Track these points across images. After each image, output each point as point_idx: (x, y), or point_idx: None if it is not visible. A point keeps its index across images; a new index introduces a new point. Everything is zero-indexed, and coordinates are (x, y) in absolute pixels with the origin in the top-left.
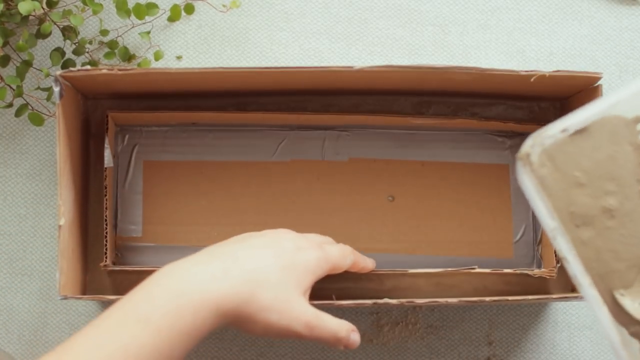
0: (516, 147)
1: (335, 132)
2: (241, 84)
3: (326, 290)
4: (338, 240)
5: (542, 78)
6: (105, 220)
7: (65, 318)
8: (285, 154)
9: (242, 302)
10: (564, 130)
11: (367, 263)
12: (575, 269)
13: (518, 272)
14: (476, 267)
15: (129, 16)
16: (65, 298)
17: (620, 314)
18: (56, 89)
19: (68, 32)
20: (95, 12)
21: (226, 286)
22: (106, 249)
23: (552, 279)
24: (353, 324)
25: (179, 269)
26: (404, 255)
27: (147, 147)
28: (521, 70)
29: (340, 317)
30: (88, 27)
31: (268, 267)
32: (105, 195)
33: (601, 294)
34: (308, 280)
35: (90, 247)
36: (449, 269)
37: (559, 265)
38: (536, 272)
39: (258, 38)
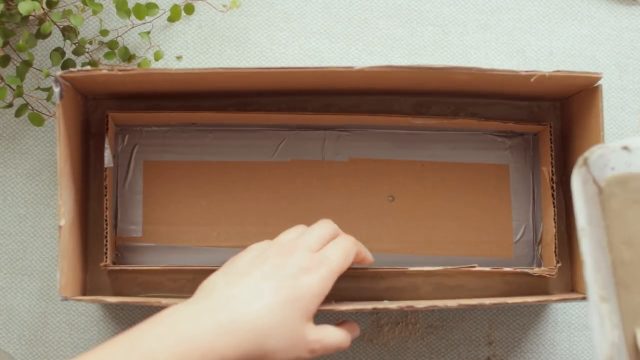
0: (516, 147)
1: (335, 132)
2: (241, 84)
3: None
4: None
5: (542, 78)
6: (105, 220)
7: (66, 318)
8: (285, 154)
9: (249, 352)
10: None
11: (367, 254)
12: (594, 275)
13: (518, 270)
14: (476, 265)
15: (129, 16)
16: (66, 299)
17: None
18: (56, 89)
19: (68, 32)
20: (95, 12)
21: (234, 339)
22: (106, 249)
23: (552, 278)
24: None
25: (186, 314)
26: (404, 256)
27: (147, 147)
28: (521, 70)
29: (340, 317)
30: (88, 27)
31: (272, 306)
32: (106, 196)
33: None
34: (314, 305)
35: (90, 247)
36: (449, 267)
37: (559, 264)
38: (536, 270)
39: (258, 38)
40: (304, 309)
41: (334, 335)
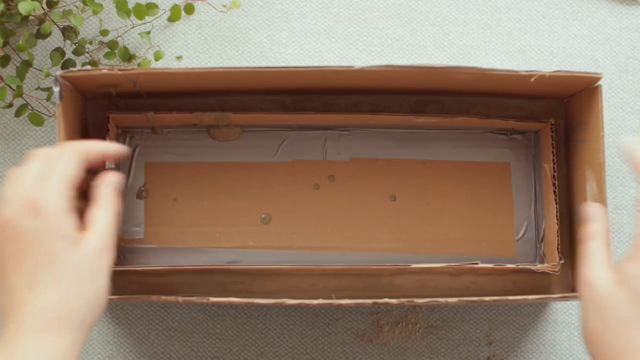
0: (517, 145)
1: (336, 132)
2: (241, 84)
3: (326, 289)
4: (340, 241)
5: (542, 78)
6: None
7: None
8: (286, 155)
9: None
10: None
11: (103, 148)
12: None
13: (521, 267)
14: (479, 262)
15: (129, 16)
16: None
17: None
18: (56, 89)
19: (68, 32)
20: (95, 12)
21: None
22: None
23: (554, 278)
24: (353, 324)
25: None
26: (406, 254)
27: (148, 149)
28: (521, 70)
29: (340, 317)
30: (88, 27)
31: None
32: None
33: None
34: (64, 214)
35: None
36: (452, 264)
37: (562, 261)
38: (539, 267)
39: (258, 38)
40: (64, 239)
41: (105, 229)
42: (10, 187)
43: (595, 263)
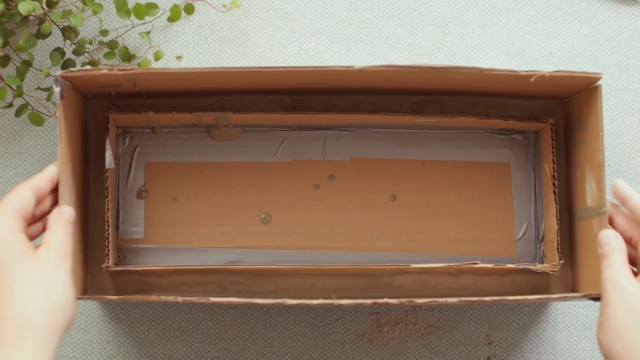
0: (517, 145)
1: (336, 131)
2: (241, 84)
3: (327, 289)
4: (340, 241)
5: (542, 78)
6: (107, 221)
7: None
8: (286, 154)
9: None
10: None
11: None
12: None
13: (520, 267)
14: (479, 262)
15: (129, 16)
16: None
17: None
18: (56, 89)
19: (68, 32)
20: (95, 12)
21: None
22: (108, 250)
23: (553, 278)
24: (353, 324)
25: None
26: (406, 254)
27: (148, 149)
28: (521, 70)
29: (340, 317)
30: (88, 27)
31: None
32: (107, 197)
33: None
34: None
35: (91, 247)
36: (452, 264)
37: (562, 261)
38: (539, 266)
39: (258, 38)
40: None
41: (56, 240)
42: None
43: (622, 269)
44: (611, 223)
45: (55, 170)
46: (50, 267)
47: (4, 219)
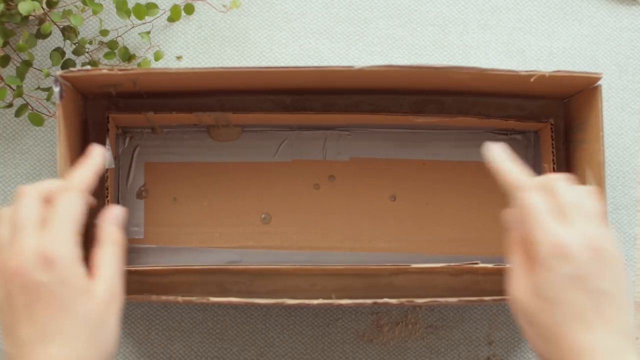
0: (517, 145)
1: (336, 132)
2: (241, 84)
3: (326, 289)
4: (340, 241)
5: (542, 78)
6: None
7: None
8: (286, 154)
9: None
10: None
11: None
12: None
13: None
14: (479, 262)
15: (129, 16)
16: None
17: None
18: (56, 89)
19: (68, 32)
20: (95, 12)
21: None
22: None
23: None
24: (353, 324)
25: None
26: (406, 254)
27: (148, 149)
28: (521, 70)
29: (340, 317)
30: (88, 27)
31: (67, 335)
32: (107, 197)
33: None
34: (79, 277)
35: (91, 248)
36: (452, 264)
37: None
38: None
39: (258, 38)
40: (73, 299)
41: (111, 269)
42: (17, 233)
43: (515, 278)
44: None
45: (100, 160)
46: (105, 306)
47: (65, 242)
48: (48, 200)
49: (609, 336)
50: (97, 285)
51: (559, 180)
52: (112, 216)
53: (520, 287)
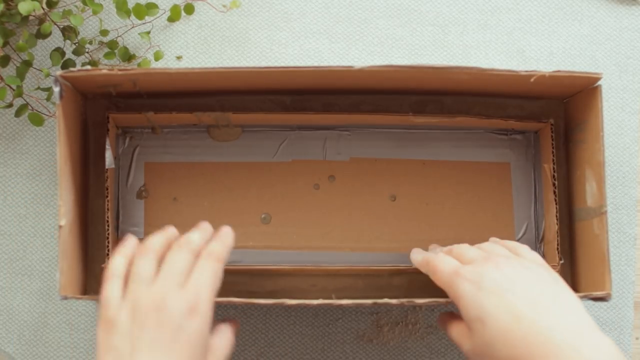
0: (517, 145)
1: (336, 132)
2: (241, 84)
3: (327, 290)
4: (340, 241)
5: (542, 78)
6: (107, 221)
7: (66, 318)
8: (286, 155)
9: None
10: None
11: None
12: None
13: None
14: None
15: (129, 16)
16: (66, 298)
17: None
18: (56, 89)
19: (68, 32)
20: (95, 12)
21: None
22: (108, 250)
23: None
24: (353, 324)
25: None
26: (406, 255)
27: (148, 149)
28: (521, 70)
29: (340, 317)
30: (88, 27)
31: None
32: (107, 197)
33: None
34: (206, 339)
35: (90, 247)
36: None
37: (562, 261)
38: None
39: (258, 38)
40: (201, 351)
41: (225, 346)
42: (163, 274)
43: (461, 338)
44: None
45: (230, 241)
46: None
47: (208, 304)
48: (195, 255)
49: (550, 318)
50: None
51: (460, 246)
52: (234, 327)
53: (459, 333)
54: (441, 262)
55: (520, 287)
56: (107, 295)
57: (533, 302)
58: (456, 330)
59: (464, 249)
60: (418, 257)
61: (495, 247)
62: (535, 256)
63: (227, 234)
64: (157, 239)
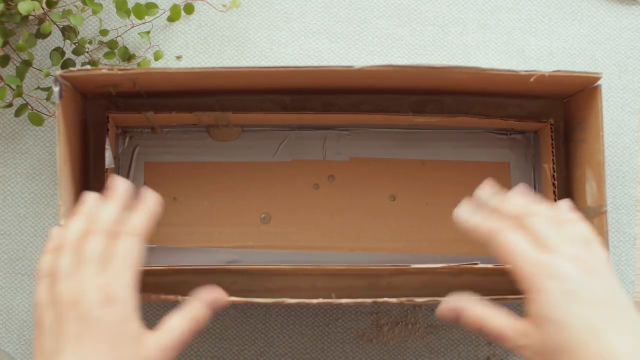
0: (517, 145)
1: (336, 132)
2: (241, 84)
3: (327, 290)
4: (340, 241)
5: (542, 78)
6: None
7: None
8: (286, 155)
9: None
10: None
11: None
12: None
13: None
14: (479, 262)
15: (129, 16)
16: None
17: None
18: (56, 89)
19: (68, 32)
20: (95, 12)
21: None
22: None
23: None
24: (353, 324)
25: None
26: (406, 255)
27: (148, 149)
28: (521, 70)
29: (340, 317)
30: (88, 27)
31: None
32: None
33: None
34: (135, 320)
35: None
36: (452, 264)
37: None
38: None
39: (258, 38)
40: (128, 339)
41: (173, 332)
42: (81, 266)
43: (512, 324)
44: None
45: (155, 208)
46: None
47: (127, 287)
48: (112, 236)
49: (623, 339)
50: (150, 339)
51: (531, 214)
52: (208, 297)
53: (520, 327)
54: (517, 242)
55: (596, 299)
56: (36, 298)
57: (609, 319)
58: (513, 324)
59: (537, 224)
60: (470, 217)
61: (567, 228)
62: (602, 254)
63: (148, 199)
64: (74, 227)
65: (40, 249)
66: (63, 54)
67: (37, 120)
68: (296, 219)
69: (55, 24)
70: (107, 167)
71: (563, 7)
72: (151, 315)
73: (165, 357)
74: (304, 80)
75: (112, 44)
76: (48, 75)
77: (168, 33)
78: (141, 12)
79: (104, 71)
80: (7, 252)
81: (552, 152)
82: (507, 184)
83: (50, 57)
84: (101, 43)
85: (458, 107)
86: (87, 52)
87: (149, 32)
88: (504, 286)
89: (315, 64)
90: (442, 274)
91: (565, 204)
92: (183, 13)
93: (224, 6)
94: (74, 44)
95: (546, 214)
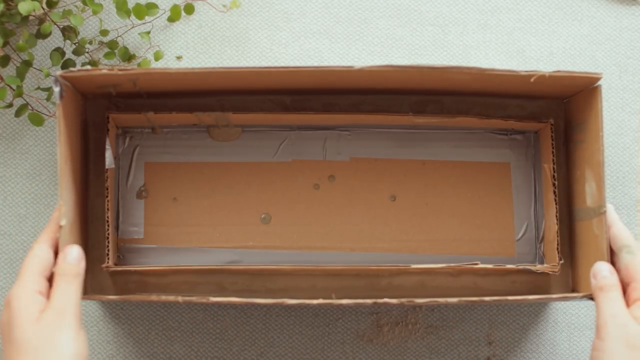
0: (517, 145)
1: (336, 132)
2: (241, 84)
3: (326, 289)
4: (340, 241)
5: (542, 78)
6: (107, 221)
7: None
8: (286, 154)
9: None
10: None
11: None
12: None
13: (520, 267)
14: (479, 262)
15: (129, 16)
16: None
17: None
18: (56, 89)
19: (68, 32)
20: (95, 12)
21: None
22: (108, 250)
23: (553, 278)
24: (353, 324)
25: None
26: (406, 254)
27: (148, 149)
28: (521, 70)
29: (340, 317)
30: (88, 27)
31: None
32: (107, 197)
33: None
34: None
35: (90, 247)
36: (452, 264)
37: (561, 262)
38: (539, 267)
39: (258, 38)
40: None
41: (57, 299)
42: None
43: (622, 305)
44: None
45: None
46: (50, 330)
47: (20, 284)
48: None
49: None
50: (45, 315)
51: None
52: (64, 257)
53: (627, 313)
54: None
55: None
56: None
57: None
58: (615, 294)
59: None
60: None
61: None
62: None
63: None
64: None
65: None
66: (63, 54)
67: (37, 120)
68: (296, 219)
69: (55, 24)
70: (107, 167)
71: (563, 7)
72: (151, 315)
73: (62, 319)
74: (304, 80)
75: (112, 44)
76: (48, 75)
77: (168, 33)
78: (141, 12)
79: (104, 71)
80: (7, 252)
81: (552, 152)
82: (507, 184)
83: (50, 57)
84: (101, 43)
85: (458, 107)
86: (87, 52)
87: (149, 32)
88: (504, 286)
89: (316, 64)
90: (442, 274)
91: None
92: (183, 13)
93: (224, 6)
94: (74, 44)
95: None
